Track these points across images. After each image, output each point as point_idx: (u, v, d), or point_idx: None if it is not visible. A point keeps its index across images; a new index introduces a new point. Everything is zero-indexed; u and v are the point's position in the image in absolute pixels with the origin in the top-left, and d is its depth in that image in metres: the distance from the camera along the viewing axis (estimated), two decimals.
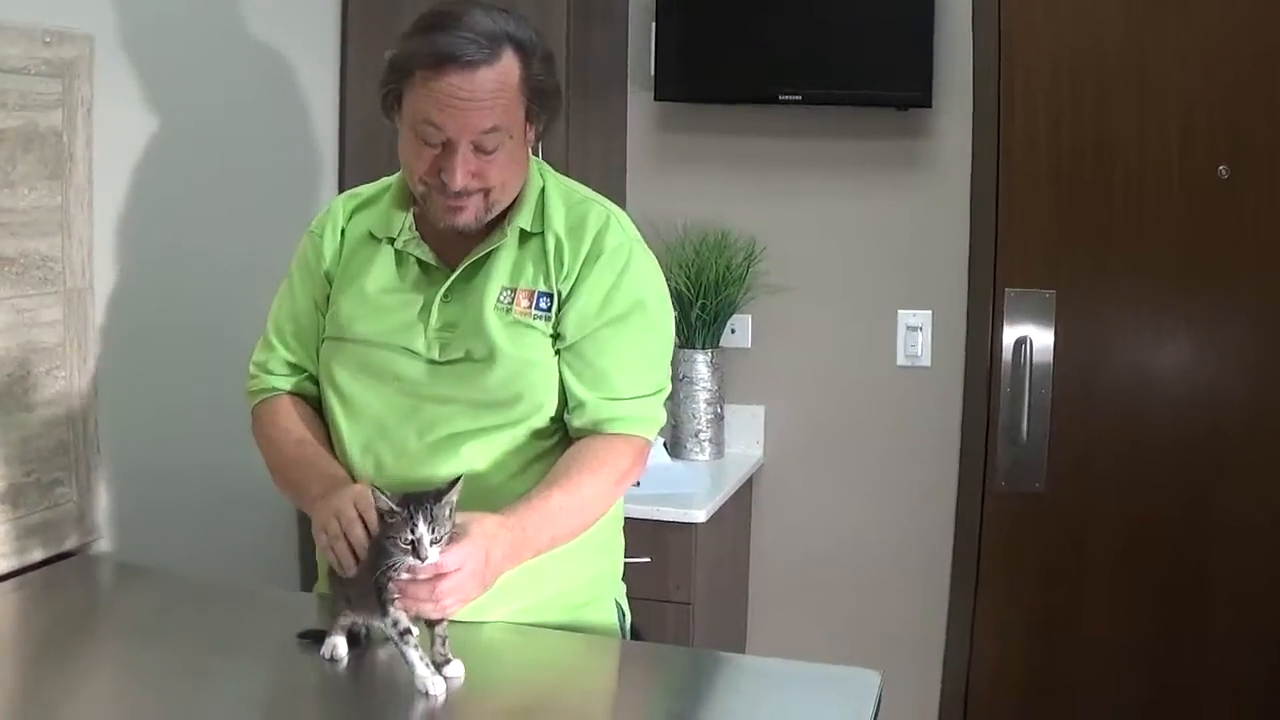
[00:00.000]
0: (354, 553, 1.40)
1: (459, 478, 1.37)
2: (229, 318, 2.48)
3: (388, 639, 1.39)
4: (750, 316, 3.00)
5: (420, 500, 1.33)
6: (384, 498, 1.34)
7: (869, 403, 2.97)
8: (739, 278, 2.90)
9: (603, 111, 2.88)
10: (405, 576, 1.34)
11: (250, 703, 1.41)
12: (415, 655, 1.35)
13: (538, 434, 1.59)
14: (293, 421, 1.66)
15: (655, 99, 2.90)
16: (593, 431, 1.58)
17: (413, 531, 1.30)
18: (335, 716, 1.41)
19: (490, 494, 1.52)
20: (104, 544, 2.10)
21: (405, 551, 1.31)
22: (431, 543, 1.31)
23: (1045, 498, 2.85)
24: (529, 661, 1.56)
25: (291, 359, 1.70)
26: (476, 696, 1.40)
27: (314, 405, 1.69)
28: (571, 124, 2.54)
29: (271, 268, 2.68)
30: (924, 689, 2.98)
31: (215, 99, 2.36)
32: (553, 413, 1.59)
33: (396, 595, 1.34)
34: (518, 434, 1.58)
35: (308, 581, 2.70)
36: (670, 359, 1.67)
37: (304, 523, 2.78)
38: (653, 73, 2.88)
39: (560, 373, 1.58)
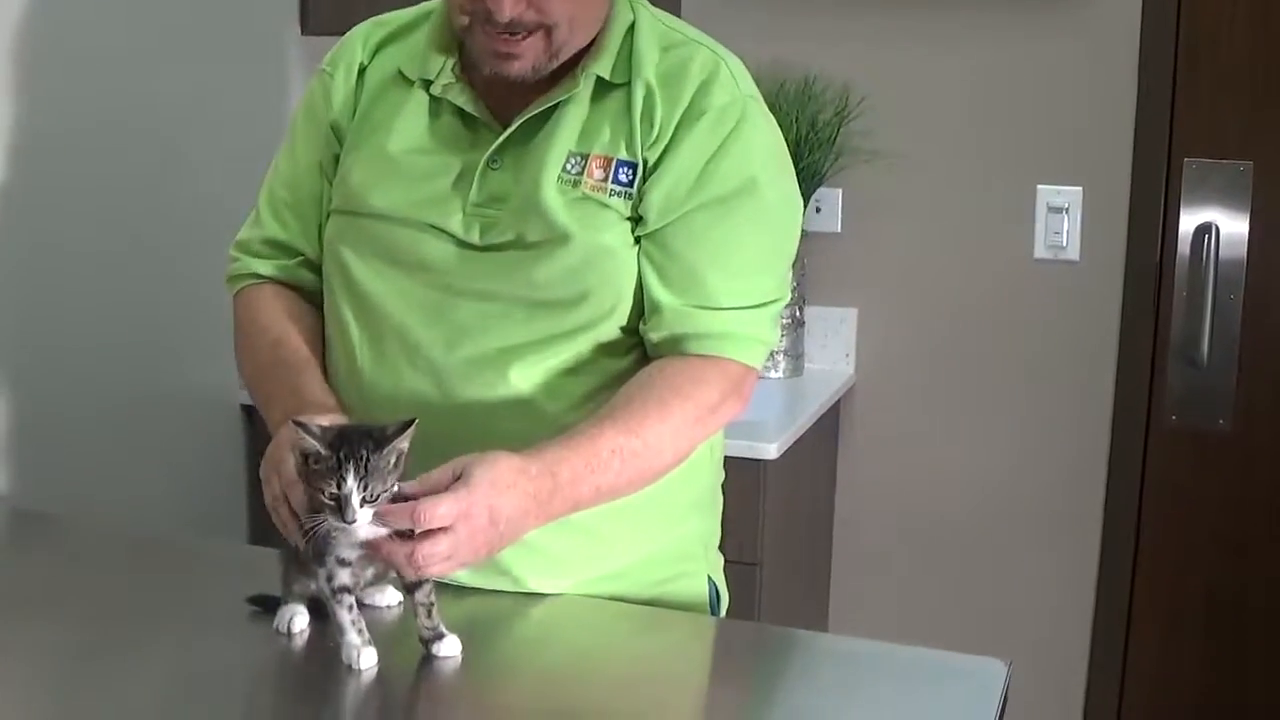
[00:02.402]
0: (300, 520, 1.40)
1: (412, 420, 1.35)
2: (151, 193, 2.48)
3: (368, 605, 1.42)
4: (840, 191, 3.00)
5: (355, 443, 1.32)
6: (309, 437, 1.34)
7: (996, 307, 2.96)
8: (827, 140, 2.88)
9: None
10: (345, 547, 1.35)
11: (183, 688, 1.40)
12: (347, 619, 1.38)
13: (609, 350, 1.58)
14: (273, 317, 1.66)
15: None
16: (673, 350, 1.57)
17: (339, 485, 1.31)
18: (292, 707, 1.41)
19: (544, 429, 1.51)
20: None
21: (331, 509, 1.32)
22: (363, 502, 1.31)
23: (1231, 438, 2.84)
24: (579, 645, 1.58)
25: (282, 236, 1.70)
26: (504, 679, 1.43)
27: (311, 300, 1.70)
28: None
29: (204, 137, 2.66)
30: (1062, 691, 3.00)
31: None
32: (626, 321, 1.58)
33: (332, 553, 1.36)
34: (582, 348, 1.57)
35: (260, 532, 2.73)
36: (790, 261, 1.66)
37: (255, 456, 2.82)
38: None
39: (639, 268, 1.57)
